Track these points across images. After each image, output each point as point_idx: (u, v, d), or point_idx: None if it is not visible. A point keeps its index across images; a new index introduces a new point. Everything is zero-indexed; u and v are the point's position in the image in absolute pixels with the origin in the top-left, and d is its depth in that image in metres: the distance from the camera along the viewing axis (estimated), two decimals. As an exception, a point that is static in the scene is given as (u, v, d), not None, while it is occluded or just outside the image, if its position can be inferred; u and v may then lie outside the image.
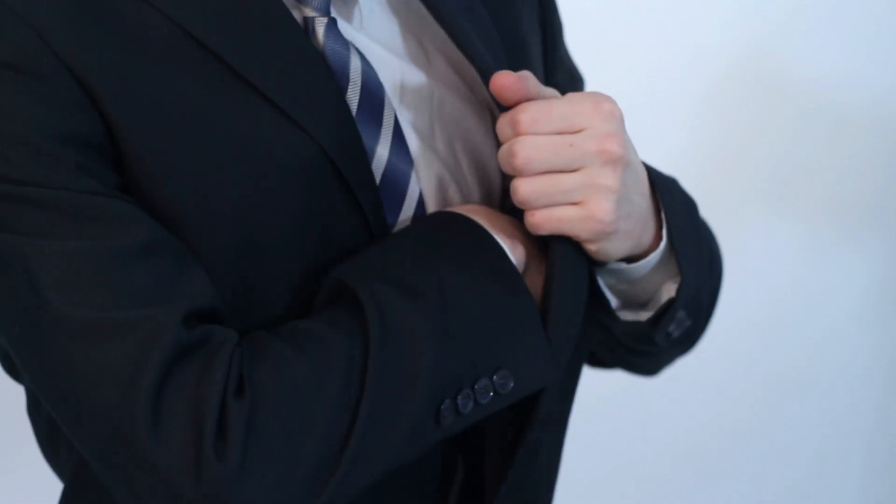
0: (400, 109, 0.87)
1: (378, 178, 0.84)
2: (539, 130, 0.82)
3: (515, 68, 0.85)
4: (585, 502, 2.04)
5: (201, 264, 0.79)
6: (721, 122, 2.06)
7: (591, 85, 1.97)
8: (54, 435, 0.94)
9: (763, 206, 2.11)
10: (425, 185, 0.88)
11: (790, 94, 2.07)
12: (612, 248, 0.86)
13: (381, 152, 0.85)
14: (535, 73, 0.91)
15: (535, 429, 0.84)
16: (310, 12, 0.83)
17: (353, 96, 0.84)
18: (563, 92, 0.94)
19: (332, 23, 0.84)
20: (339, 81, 0.83)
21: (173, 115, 0.78)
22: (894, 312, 2.21)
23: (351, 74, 0.84)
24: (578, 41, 1.95)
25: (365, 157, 0.83)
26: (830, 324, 2.18)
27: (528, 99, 0.83)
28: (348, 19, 0.87)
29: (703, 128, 2.05)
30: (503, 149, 0.83)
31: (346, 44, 0.84)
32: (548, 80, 0.99)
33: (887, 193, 2.15)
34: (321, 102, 0.82)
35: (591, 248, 0.85)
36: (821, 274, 2.16)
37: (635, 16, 1.96)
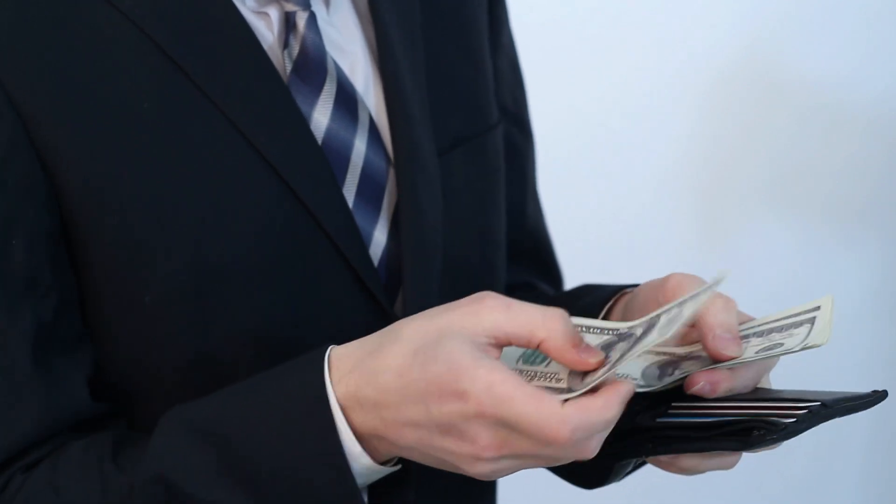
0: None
1: (355, 183, 0.83)
2: None
3: (447, 49, 0.88)
4: (585, 501, 2.04)
5: (155, 290, 0.77)
6: (720, 122, 2.06)
7: (592, 84, 1.98)
8: None
9: (761, 206, 2.11)
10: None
11: (789, 95, 2.07)
12: None
13: (359, 150, 0.84)
14: (482, 55, 0.93)
15: None
16: (291, 7, 0.83)
17: (328, 96, 0.83)
18: (505, 78, 0.97)
19: (312, 17, 0.84)
20: (317, 77, 0.83)
21: (132, 132, 0.77)
22: (892, 312, 2.20)
23: (328, 71, 0.83)
24: (579, 42, 1.96)
25: (332, 182, 0.81)
26: (828, 324, 2.18)
27: None
28: (323, 10, 0.86)
29: (703, 128, 2.06)
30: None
31: (322, 40, 0.84)
32: (493, 64, 0.99)
33: (885, 194, 2.15)
34: (283, 129, 0.80)
35: None
36: (819, 274, 2.16)
37: (635, 16, 1.96)
